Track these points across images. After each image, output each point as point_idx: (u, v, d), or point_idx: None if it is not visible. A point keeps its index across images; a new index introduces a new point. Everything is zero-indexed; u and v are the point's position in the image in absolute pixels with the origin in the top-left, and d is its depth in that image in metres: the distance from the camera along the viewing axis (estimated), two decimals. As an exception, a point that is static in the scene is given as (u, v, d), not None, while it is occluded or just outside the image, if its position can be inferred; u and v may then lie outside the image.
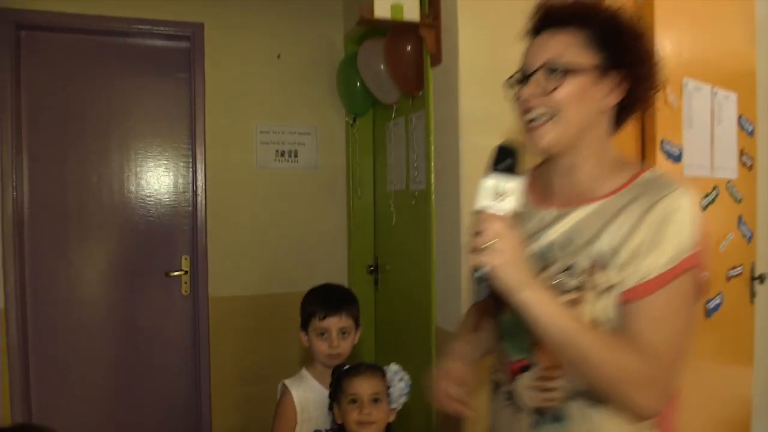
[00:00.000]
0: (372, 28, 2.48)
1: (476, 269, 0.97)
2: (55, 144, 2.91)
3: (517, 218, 1.00)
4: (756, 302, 2.52)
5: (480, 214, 0.98)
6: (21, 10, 2.74)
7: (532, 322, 0.98)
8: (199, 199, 3.04)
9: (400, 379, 1.75)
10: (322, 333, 1.90)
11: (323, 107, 3.18)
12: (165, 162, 3.09)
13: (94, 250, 3.00)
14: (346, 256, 3.23)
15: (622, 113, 1.14)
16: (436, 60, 2.14)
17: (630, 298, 1.02)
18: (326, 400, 1.81)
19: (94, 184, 2.97)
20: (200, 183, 3.04)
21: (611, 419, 1.07)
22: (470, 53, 2.04)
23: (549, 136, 1.08)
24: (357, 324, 1.96)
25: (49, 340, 2.91)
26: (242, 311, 3.07)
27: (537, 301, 0.96)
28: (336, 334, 1.89)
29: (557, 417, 1.12)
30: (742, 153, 2.39)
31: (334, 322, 1.89)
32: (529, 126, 1.09)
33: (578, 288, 1.06)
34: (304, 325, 1.95)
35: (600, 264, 1.05)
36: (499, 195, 0.97)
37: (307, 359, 2.03)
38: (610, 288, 1.03)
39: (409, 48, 2.33)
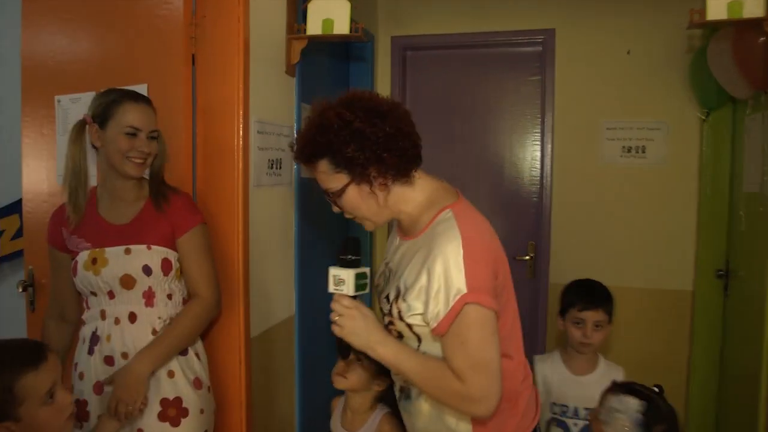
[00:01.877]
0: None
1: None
2: (430, 135, 3.39)
3: (358, 298, 1.33)
4: None
5: (333, 296, 1.33)
6: (406, 36, 3.40)
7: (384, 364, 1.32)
8: (545, 191, 3.28)
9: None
10: (578, 322, 2.10)
11: (674, 102, 3.04)
12: (517, 154, 3.42)
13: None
14: (693, 258, 3.06)
15: (405, 167, 1.34)
16: (784, 57, 1.92)
17: (436, 334, 1.28)
18: (569, 382, 2.10)
19: (460, 171, 3.47)
20: (547, 175, 3.28)
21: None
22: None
23: (369, 227, 1.41)
24: (610, 319, 2.13)
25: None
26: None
27: (378, 355, 1.30)
28: (591, 326, 2.08)
29: (408, 395, 1.47)
30: None
31: (591, 315, 2.08)
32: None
33: (390, 313, 1.36)
34: (563, 313, 2.18)
35: (401, 296, 1.33)
36: (339, 281, 1.32)
37: (562, 342, 2.26)
38: (404, 316, 1.31)
39: (757, 43, 2.12)
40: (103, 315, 1.73)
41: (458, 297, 1.21)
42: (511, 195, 3.43)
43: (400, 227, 1.47)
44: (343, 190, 1.33)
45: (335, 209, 1.41)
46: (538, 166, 3.34)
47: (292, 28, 2.31)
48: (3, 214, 2.74)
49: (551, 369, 2.17)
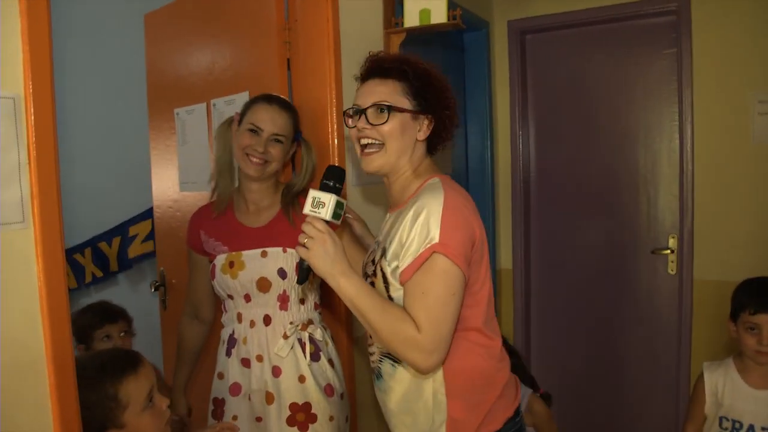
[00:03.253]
0: None
1: (301, 259, 1.30)
2: (555, 122, 3.34)
3: (332, 224, 1.31)
4: None
5: (305, 218, 1.30)
6: (524, 18, 3.24)
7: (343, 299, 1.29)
8: (686, 176, 2.95)
9: None
10: (752, 328, 1.84)
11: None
12: (653, 138, 3.11)
13: (588, 221, 3.28)
14: None
15: (433, 141, 1.44)
16: None
17: (401, 281, 1.29)
18: (744, 396, 1.84)
19: (590, 159, 3.25)
20: (688, 160, 2.94)
21: (405, 374, 1.37)
22: None
23: (377, 162, 1.39)
24: None
25: (545, 299, 3.41)
26: (727, 297, 2.86)
27: (339, 286, 1.27)
28: (767, 332, 1.81)
29: (378, 374, 1.45)
30: None
31: (766, 320, 1.80)
32: (363, 151, 1.40)
33: (373, 273, 1.37)
34: (734, 316, 1.92)
35: (385, 254, 1.34)
36: (318, 204, 1.29)
37: (736, 349, 1.99)
38: (386, 274, 1.32)
39: None
40: (239, 318, 1.78)
41: (429, 245, 1.24)
42: (648, 183, 3.13)
43: (391, 200, 1.49)
44: (399, 110, 1.36)
45: (360, 123, 1.38)
46: (678, 149, 3.00)
47: (389, 23, 2.28)
48: (137, 220, 3.00)
49: (724, 378, 1.92)
